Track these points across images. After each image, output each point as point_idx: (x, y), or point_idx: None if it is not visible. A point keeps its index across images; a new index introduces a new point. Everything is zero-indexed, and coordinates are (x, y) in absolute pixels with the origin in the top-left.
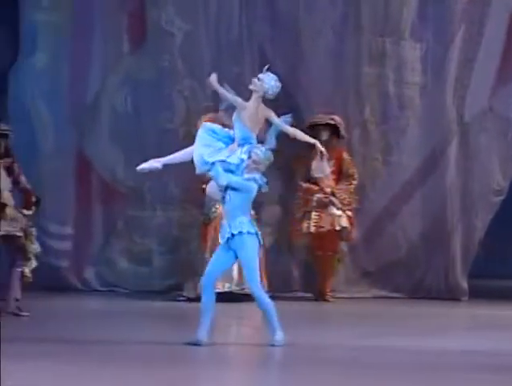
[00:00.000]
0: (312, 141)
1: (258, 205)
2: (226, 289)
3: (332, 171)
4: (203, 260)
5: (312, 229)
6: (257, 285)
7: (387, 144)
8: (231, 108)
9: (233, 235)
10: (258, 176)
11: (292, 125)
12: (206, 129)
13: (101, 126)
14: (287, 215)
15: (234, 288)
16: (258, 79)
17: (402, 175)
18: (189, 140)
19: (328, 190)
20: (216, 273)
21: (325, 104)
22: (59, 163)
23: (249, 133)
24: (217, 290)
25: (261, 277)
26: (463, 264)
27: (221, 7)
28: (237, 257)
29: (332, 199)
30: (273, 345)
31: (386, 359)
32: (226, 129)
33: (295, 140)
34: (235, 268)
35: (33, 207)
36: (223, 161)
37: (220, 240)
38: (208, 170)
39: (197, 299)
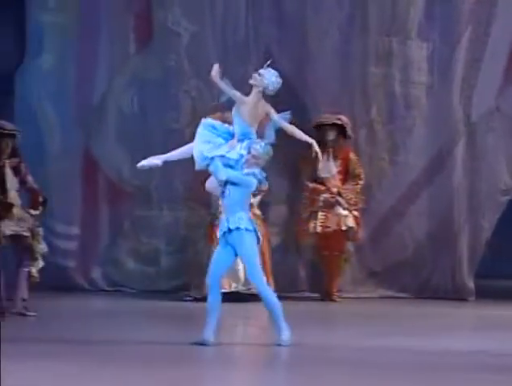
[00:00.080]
0: (310, 140)
1: (264, 205)
2: (233, 289)
3: (339, 171)
4: (209, 261)
5: (319, 229)
6: (261, 282)
7: (394, 144)
8: (231, 103)
9: (230, 229)
10: (257, 171)
11: (291, 123)
12: (206, 126)
13: (107, 127)
14: (294, 215)
15: (241, 288)
16: (259, 74)
17: (408, 175)
18: None
19: (335, 190)
20: (220, 271)
21: (332, 104)
22: (66, 164)
23: (249, 129)
24: (224, 290)
25: (267, 276)
26: (470, 264)
27: (228, 8)
28: (236, 254)
29: (339, 199)
30: (279, 345)
31: (392, 358)
32: (226, 125)
33: (301, 140)
34: (241, 268)
35: (40, 207)
36: (222, 156)
37: (218, 234)
38: (208, 166)
39: (204, 299)
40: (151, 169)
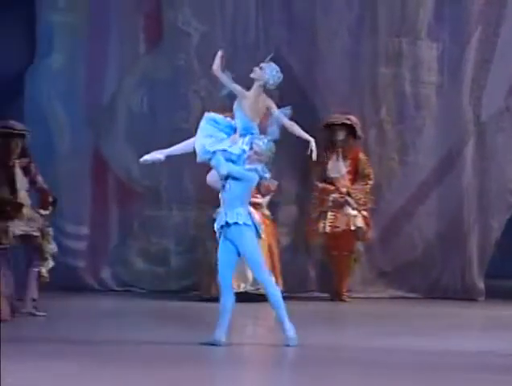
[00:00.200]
0: (308, 138)
1: (274, 205)
2: (242, 290)
3: (348, 171)
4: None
5: (328, 229)
6: (265, 277)
7: (403, 144)
8: (232, 96)
9: (227, 223)
10: (259, 167)
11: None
12: (208, 120)
13: (117, 127)
14: (303, 215)
15: (249, 288)
16: (260, 67)
17: (418, 175)
18: None
19: (344, 190)
20: (227, 270)
21: (341, 105)
22: (76, 164)
23: (250, 123)
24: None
25: (276, 277)
26: (479, 265)
27: (238, 8)
28: (239, 251)
29: (348, 199)
30: (288, 345)
31: (401, 359)
32: (228, 119)
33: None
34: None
35: (50, 207)
36: (224, 150)
37: (216, 228)
38: (210, 159)
39: (213, 299)
40: (161, 169)
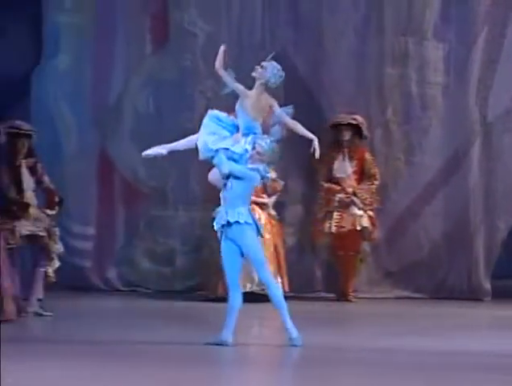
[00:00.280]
0: (311, 136)
1: (280, 205)
2: (248, 290)
3: (354, 171)
4: None
5: (333, 229)
6: (267, 277)
7: (409, 144)
8: (236, 95)
9: (228, 222)
10: (261, 167)
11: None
12: (211, 117)
13: (123, 127)
14: (309, 215)
15: (255, 288)
16: (261, 66)
17: (424, 176)
18: None
19: (350, 190)
20: (233, 270)
21: (348, 105)
22: (82, 164)
23: (253, 123)
24: None
25: (282, 277)
26: (486, 265)
27: (244, 9)
28: (242, 251)
29: (354, 199)
30: (294, 345)
31: (407, 359)
32: (231, 117)
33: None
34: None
35: (56, 207)
36: (227, 149)
37: (215, 227)
38: (212, 158)
39: (219, 299)
40: (167, 169)
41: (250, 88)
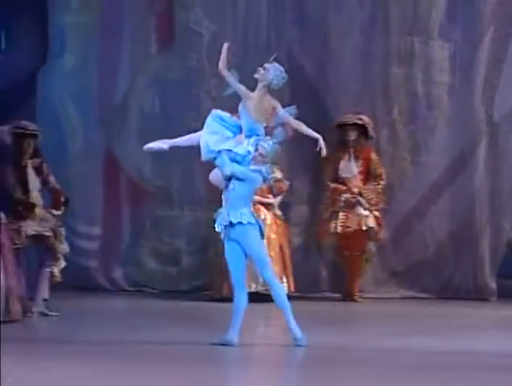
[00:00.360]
0: (316, 135)
1: (286, 205)
2: (253, 290)
3: (360, 171)
4: None
5: (339, 229)
6: (270, 277)
7: (415, 144)
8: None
9: (231, 223)
10: (264, 169)
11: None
12: (214, 117)
13: (129, 127)
14: (315, 215)
15: (260, 288)
16: (264, 68)
17: (430, 175)
18: None
19: (356, 190)
20: (238, 271)
21: (353, 105)
22: (88, 164)
23: (255, 124)
24: None
25: (287, 277)
26: (491, 265)
27: (249, 9)
28: (245, 251)
29: (360, 199)
30: (299, 345)
31: (413, 359)
32: (234, 118)
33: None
34: None
35: (62, 207)
36: (229, 150)
37: (217, 228)
38: (214, 158)
39: (225, 299)
40: (173, 169)
41: (254, 88)
